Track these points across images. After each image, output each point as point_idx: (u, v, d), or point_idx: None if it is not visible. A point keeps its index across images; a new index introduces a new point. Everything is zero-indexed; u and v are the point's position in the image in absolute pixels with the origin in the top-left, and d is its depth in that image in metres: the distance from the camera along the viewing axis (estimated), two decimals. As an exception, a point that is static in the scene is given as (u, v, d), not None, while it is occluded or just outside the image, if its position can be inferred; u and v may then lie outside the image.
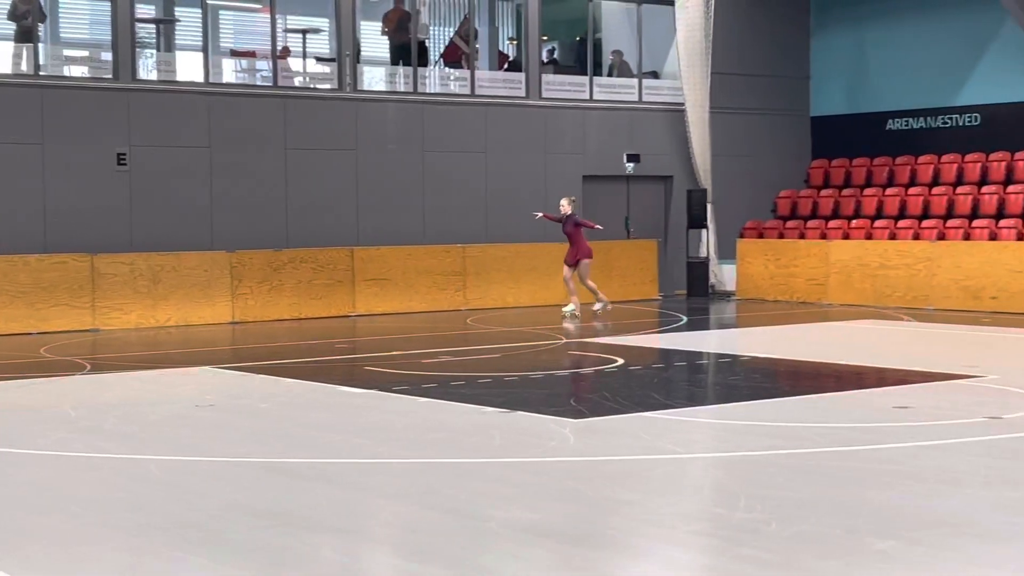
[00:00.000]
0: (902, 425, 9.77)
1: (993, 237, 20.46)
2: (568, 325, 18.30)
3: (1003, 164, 22.00)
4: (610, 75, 23.77)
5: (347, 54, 20.57)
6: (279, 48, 20.59)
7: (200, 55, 19.79)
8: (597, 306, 19.34)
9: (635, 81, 23.59)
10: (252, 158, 19.77)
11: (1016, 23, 21.20)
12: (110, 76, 18.87)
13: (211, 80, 19.67)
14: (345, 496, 7.62)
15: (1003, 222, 20.80)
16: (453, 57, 22.58)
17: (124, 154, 18.79)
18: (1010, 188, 21.46)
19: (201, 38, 19.90)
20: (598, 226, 19.78)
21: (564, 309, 19.27)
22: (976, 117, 23.01)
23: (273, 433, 9.80)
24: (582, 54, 23.63)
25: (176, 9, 20.96)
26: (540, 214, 20.21)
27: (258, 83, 20.52)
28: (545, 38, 23.36)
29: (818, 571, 5.94)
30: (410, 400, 11.23)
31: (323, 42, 21.83)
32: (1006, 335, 16.39)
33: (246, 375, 13.15)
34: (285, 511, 7.17)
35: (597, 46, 23.97)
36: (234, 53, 21.49)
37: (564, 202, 19.41)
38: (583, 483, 7.83)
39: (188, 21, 20.56)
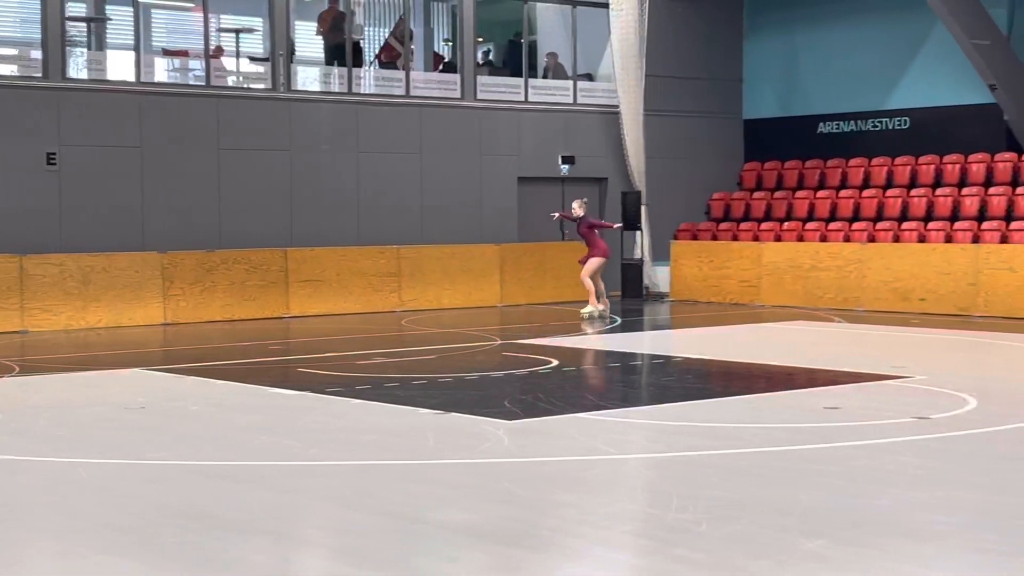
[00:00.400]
0: (832, 425, 9.88)
1: (922, 239, 20.75)
2: (586, 327, 18.18)
3: (932, 167, 22.31)
4: (545, 77, 23.83)
5: (281, 54, 20.46)
6: (212, 47, 20.43)
7: (132, 54, 19.59)
8: (587, 310, 19.06)
9: (570, 83, 23.67)
10: (184, 158, 19.61)
11: (946, 27, 21.51)
12: (40, 75, 18.63)
13: (143, 79, 19.49)
14: (277, 499, 7.58)
15: (931, 224, 21.10)
16: (388, 58, 22.53)
17: (54, 153, 18.56)
18: (939, 191, 21.77)
19: (133, 37, 19.71)
20: (616, 225, 20.42)
21: (582, 311, 19.07)
22: (906, 121, 23.33)
23: (204, 435, 9.73)
24: (517, 56, 23.67)
25: (107, 7, 20.73)
26: (557, 214, 20.44)
27: (191, 82, 20.35)
28: (480, 40, 23.39)
29: (749, 571, 5.99)
30: (343, 402, 11.19)
31: (257, 42, 21.69)
32: (934, 336, 16.63)
33: (177, 377, 13.04)
34: (216, 514, 7.13)
35: (532, 48, 24.02)
36: (166, 52, 21.30)
37: (576, 204, 19.48)
38: (517, 484, 7.84)
39: (119, 20, 20.35)
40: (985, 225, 20.46)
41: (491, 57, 24.21)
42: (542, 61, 24.10)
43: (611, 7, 23.21)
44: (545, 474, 8.19)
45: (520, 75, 23.22)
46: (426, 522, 6.91)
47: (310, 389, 11.93)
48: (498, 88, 22.88)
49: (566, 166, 23.15)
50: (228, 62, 21.11)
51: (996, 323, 18.09)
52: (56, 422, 10.27)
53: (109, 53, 20.12)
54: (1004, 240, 19.92)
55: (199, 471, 8.40)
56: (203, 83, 20.10)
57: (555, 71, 23.88)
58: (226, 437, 9.67)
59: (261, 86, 20.72)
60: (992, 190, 21.15)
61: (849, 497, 7.42)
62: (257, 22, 21.74)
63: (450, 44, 24.02)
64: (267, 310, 19.53)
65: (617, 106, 23.49)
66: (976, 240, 20.07)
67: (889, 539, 6.52)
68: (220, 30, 21.46)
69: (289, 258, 19.82)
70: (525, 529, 6.80)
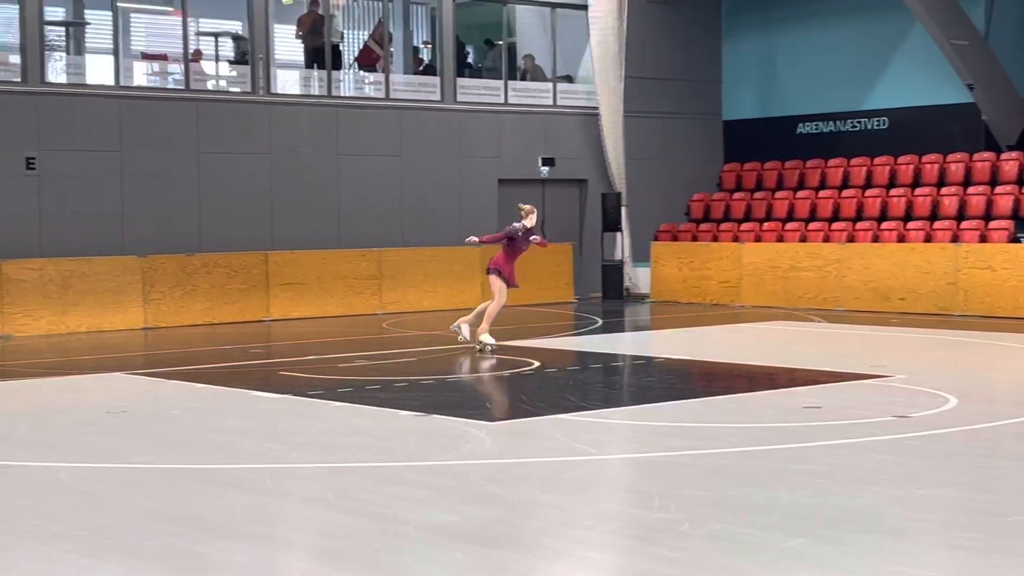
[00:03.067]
0: (812, 424, 9.92)
1: (901, 239, 20.84)
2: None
3: (911, 167, 22.40)
4: (523, 79, 23.86)
5: (260, 57, 20.44)
6: (191, 51, 20.41)
7: (111, 58, 19.55)
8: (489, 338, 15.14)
9: (549, 85, 23.71)
10: (164, 162, 19.58)
11: (924, 28, 21.60)
12: (19, 79, 18.58)
13: (122, 83, 19.45)
14: (259, 501, 7.58)
15: (911, 224, 21.18)
16: (367, 60, 22.54)
17: (33, 158, 18.51)
18: (917, 191, 21.86)
19: (112, 41, 19.67)
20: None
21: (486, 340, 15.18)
22: (884, 121, 23.42)
23: (185, 439, 9.72)
24: (496, 58, 23.69)
25: (86, 12, 20.69)
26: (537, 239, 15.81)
27: (170, 86, 20.32)
28: (461, 42, 23.37)
29: (729, 570, 6.02)
30: (324, 405, 11.19)
31: (236, 45, 21.63)
32: (914, 335, 16.70)
33: (158, 381, 13.02)
34: (197, 517, 7.13)
35: (512, 50, 24.05)
36: (145, 56, 21.25)
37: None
38: (499, 485, 7.86)
39: (98, 24, 20.31)
40: (964, 224, 20.55)
41: (471, 59, 24.23)
42: (520, 63, 24.14)
43: (590, 10, 23.26)
44: (526, 475, 8.21)
45: (500, 77, 23.25)
46: (407, 524, 6.91)
47: (291, 392, 11.93)
48: (478, 90, 22.91)
49: (546, 168, 23.18)
50: (207, 66, 21.08)
51: (975, 322, 18.18)
52: (37, 427, 10.25)
53: (88, 57, 20.08)
54: (983, 239, 20.00)
55: (180, 475, 8.38)
56: (182, 87, 20.06)
57: (533, 73, 23.92)
58: (207, 440, 9.66)
59: (240, 90, 20.69)
60: (971, 189, 21.24)
61: (829, 495, 7.45)
62: (236, 26, 21.70)
63: (429, 47, 24.03)
64: (248, 313, 19.51)
65: (597, 108, 23.54)
66: (955, 239, 20.14)
67: (869, 537, 6.54)
68: (199, 34, 21.42)
69: (270, 261, 19.80)
70: (506, 530, 6.81)
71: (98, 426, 10.29)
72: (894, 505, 7.25)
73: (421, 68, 23.38)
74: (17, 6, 18.59)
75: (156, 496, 7.71)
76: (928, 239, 20.50)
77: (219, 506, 7.40)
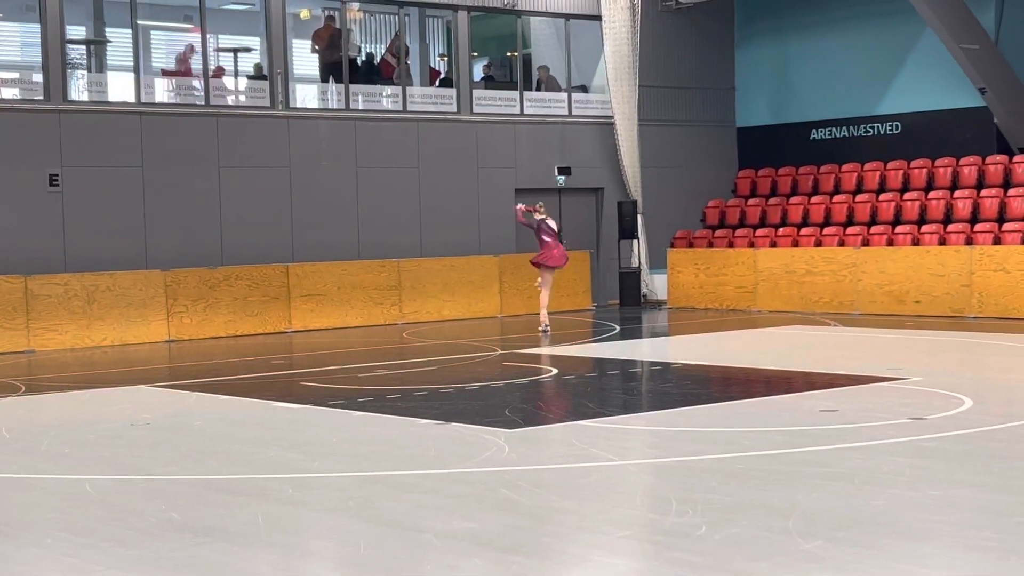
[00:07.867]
0: (829, 428, 9.98)
1: (916, 242, 20.90)
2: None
3: (924, 171, 22.45)
4: (538, 90, 23.97)
5: (278, 72, 20.60)
6: (212, 68, 20.57)
7: (131, 75, 19.74)
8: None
9: (565, 95, 23.82)
10: (185, 176, 19.75)
11: (935, 33, 21.65)
12: (41, 97, 18.78)
13: (143, 100, 19.63)
14: (281, 511, 7.68)
15: (925, 227, 21.24)
16: (384, 74, 22.67)
17: (56, 175, 18.70)
18: (931, 194, 21.90)
19: (132, 58, 19.86)
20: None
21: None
22: (897, 126, 23.46)
23: (209, 450, 9.83)
24: (511, 69, 23.83)
25: (106, 30, 20.88)
26: (522, 207, 19.13)
27: (190, 102, 20.48)
28: (475, 54, 23.53)
29: (747, 573, 6.08)
30: (346, 414, 11.30)
31: (255, 60, 21.83)
32: (929, 338, 16.75)
33: (182, 393, 13.15)
34: (222, 527, 7.22)
35: (527, 61, 24.18)
36: (165, 73, 21.44)
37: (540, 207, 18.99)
38: (518, 492, 7.94)
39: (119, 42, 20.50)
40: (978, 227, 20.60)
41: (491, 71, 24.35)
42: (535, 74, 24.25)
43: (604, 20, 23.38)
44: (545, 481, 8.29)
45: (515, 88, 23.37)
46: (428, 531, 7.00)
47: (313, 402, 12.05)
48: (494, 101, 23.03)
49: (562, 177, 23.29)
50: (227, 81, 21.24)
51: (990, 324, 18.22)
52: (62, 440, 10.37)
53: (109, 75, 20.26)
54: (997, 241, 20.06)
55: (204, 485, 8.49)
56: (202, 102, 20.23)
57: (548, 84, 24.04)
58: (230, 451, 9.77)
59: (259, 104, 20.84)
60: (984, 192, 21.29)
61: (846, 498, 7.51)
62: (254, 41, 21.88)
63: (446, 59, 24.17)
64: (270, 325, 19.66)
65: (612, 117, 23.65)
66: (969, 242, 20.20)
67: (886, 539, 6.60)
68: (218, 50, 21.59)
69: (290, 273, 19.95)
70: (525, 536, 6.89)
71: (123, 438, 10.41)
72: (911, 507, 7.31)
73: (438, 82, 23.50)
74: (39, 25, 18.79)
75: (180, 507, 7.80)
76: (942, 242, 20.56)
77: (243, 516, 7.50)
